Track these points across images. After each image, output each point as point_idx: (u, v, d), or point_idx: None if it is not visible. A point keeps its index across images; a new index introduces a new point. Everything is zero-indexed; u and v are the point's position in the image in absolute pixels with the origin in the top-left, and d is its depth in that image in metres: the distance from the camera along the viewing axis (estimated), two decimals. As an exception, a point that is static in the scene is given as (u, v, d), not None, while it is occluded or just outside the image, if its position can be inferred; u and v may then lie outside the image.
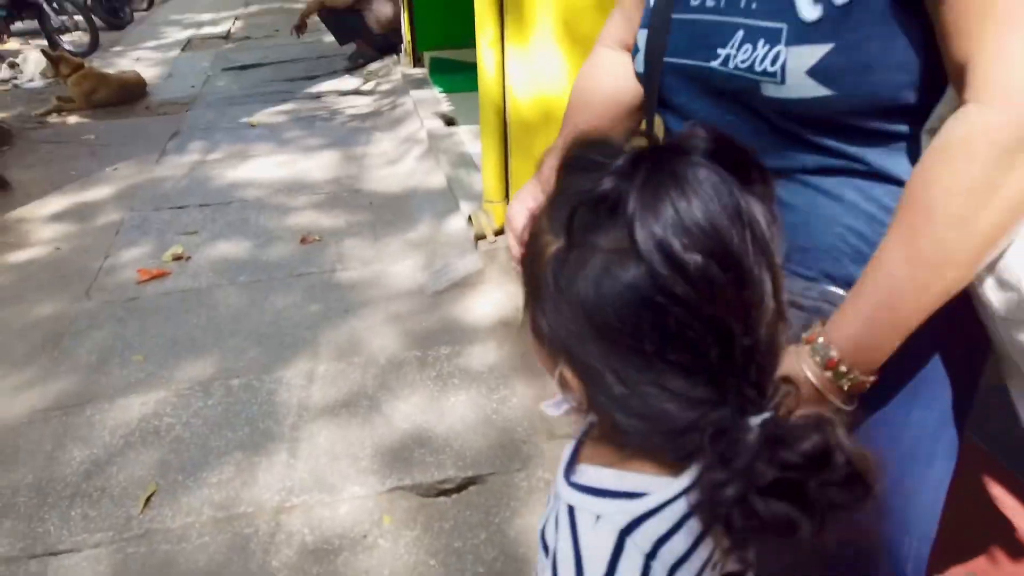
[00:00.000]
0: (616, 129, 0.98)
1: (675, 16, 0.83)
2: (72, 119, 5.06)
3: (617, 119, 1.00)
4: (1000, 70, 0.61)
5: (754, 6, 0.74)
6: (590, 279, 0.50)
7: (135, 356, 2.43)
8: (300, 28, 5.89)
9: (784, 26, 0.70)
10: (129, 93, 5.48)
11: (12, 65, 6.25)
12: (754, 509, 0.49)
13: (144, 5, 9.22)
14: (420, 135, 4.31)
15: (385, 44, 6.04)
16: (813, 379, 0.70)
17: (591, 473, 0.60)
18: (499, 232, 2.80)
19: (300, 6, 8.93)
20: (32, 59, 6.23)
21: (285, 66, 6.25)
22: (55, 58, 5.33)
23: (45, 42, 7.14)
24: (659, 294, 0.48)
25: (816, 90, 0.69)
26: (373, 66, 5.99)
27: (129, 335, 2.55)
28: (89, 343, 2.51)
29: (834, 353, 0.69)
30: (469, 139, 3.98)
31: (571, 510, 0.57)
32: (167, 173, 3.94)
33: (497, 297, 2.68)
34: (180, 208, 3.53)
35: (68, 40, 7.12)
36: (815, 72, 0.69)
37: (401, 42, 6.05)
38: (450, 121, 4.26)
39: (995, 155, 0.61)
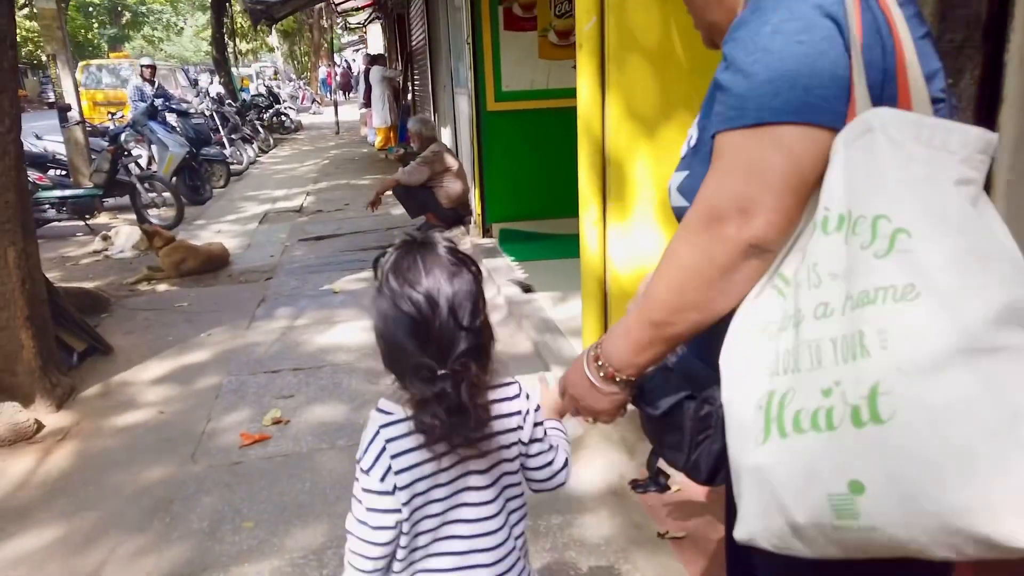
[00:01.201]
0: None
1: None
2: (162, 287, 5.36)
3: None
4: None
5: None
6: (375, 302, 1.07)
7: (245, 522, 2.43)
8: (374, 204, 6.30)
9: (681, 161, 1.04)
10: (214, 263, 5.83)
11: (105, 238, 6.72)
12: (423, 420, 1.04)
13: (222, 182, 9.98)
14: (497, 301, 4.48)
15: (454, 217, 6.42)
16: (588, 374, 1.03)
17: (385, 405, 1.11)
18: (599, 397, 2.83)
19: (364, 183, 9.67)
20: (124, 232, 6.71)
21: (358, 237, 6.64)
22: (150, 232, 5.75)
23: (133, 216, 7.71)
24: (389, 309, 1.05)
25: (679, 200, 1.00)
26: (441, 236, 6.33)
27: (237, 500, 2.56)
28: (199, 508, 2.52)
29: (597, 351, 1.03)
30: (549, 305, 4.12)
31: (370, 418, 1.12)
32: (259, 338, 4.11)
33: (600, 464, 2.66)
34: (274, 372, 3.65)
35: (155, 214, 7.68)
36: (680, 188, 1.00)
37: (468, 215, 6.43)
38: (527, 288, 4.43)
39: (680, 230, 0.90)
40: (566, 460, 1.24)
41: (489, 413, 1.08)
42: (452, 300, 1.02)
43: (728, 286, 0.86)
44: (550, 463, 1.21)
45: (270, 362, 3.78)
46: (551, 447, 1.22)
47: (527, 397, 1.20)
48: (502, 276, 4.76)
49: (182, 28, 42.81)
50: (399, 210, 6.78)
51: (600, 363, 1.00)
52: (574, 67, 5.55)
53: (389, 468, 1.06)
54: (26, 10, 16.07)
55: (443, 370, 1.01)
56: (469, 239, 5.93)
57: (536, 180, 5.73)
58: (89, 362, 3.80)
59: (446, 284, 1.02)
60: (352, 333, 4.16)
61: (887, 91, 0.80)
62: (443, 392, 1.01)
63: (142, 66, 11.59)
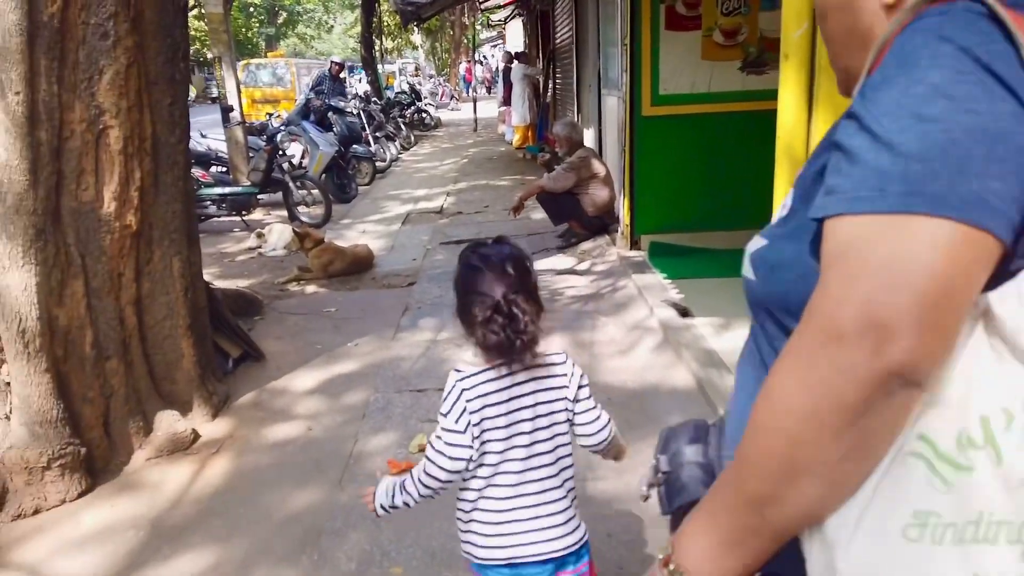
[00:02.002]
0: None
1: None
2: (310, 288, 5.44)
3: None
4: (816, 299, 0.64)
5: None
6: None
7: (394, 568, 2.29)
8: (518, 210, 6.15)
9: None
10: (360, 265, 5.87)
11: (259, 235, 6.96)
12: (486, 334, 1.40)
13: (367, 180, 10.21)
14: (650, 323, 4.17)
15: (599, 225, 6.15)
16: None
17: (459, 365, 1.47)
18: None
19: (503, 184, 9.57)
20: (276, 230, 6.93)
21: (499, 242, 6.51)
22: (301, 234, 5.86)
23: (285, 212, 7.98)
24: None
25: (748, 272, 0.82)
26: (586, 245, 6.08)
27: (385, 541, 2.42)
28: (347, 545, 2.41)
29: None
30: (710, 333, 3.77)
31: (449, 375, 1.46)
32: (404, 352, 4.02)
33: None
34: (420, 392, 3.53)
35: (304, 212, 7.91)
36: (752, 257, 0.81)
37: (613, 223, 6.14)
38: (684, 312, 4.09)
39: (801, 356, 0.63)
40: (609, 419, 1.57)
41: (537, 343, 1.43)
42: (504, 259, 1.43)
43: (862, 439, 0.60)
44: (596, 419, 1.54)
45: (415, 380, 3.67)
46: (596, 406, 1.55)
47: (573, 365, 1.55)
48: (654, 295, 4.44)
49: (332, 26, 44.95)
50: (539, 214, 6.61)
51: (671, 570, 0.70)
52: (740, 69, 5.17)
53: (464, 410, 1.40)
54: (195, 10, 17.24)
55: (499, 299, 1.38)
56: (615, 250, 5.64)
57: (691, 189, 5.35)
58: (243, 368, 3.85)
59: (499, 249, 1.47)
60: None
61: None
62: (498, 307, 1.37)
63: (332, 62, 13.11)
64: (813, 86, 2.17)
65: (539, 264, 5.71)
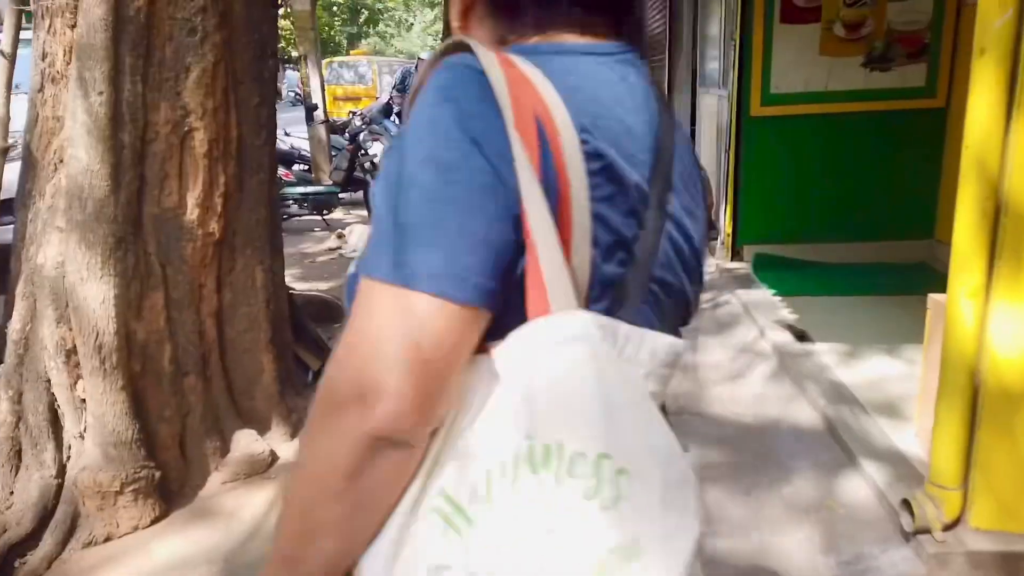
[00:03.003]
0: None
1: None
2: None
3: None
4: None
5: None
6: None
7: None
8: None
9: None
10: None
11: (340, 236, 6.86)
12: None
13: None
14: (761, 347, 3.78)
15: (694, 232, 5.75)
16: None
17: None
18: (950, 526, 2.09)
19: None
20: (357, 231, 6.81)
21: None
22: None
23: (365, 212, 7.88)
24: None
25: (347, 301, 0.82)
26: (680, 254, 5.69)
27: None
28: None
29: None
30: (835, 362, 3.36)
31: None
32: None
33: (954, 624, 1.93)
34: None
35: (385, 212, 7.78)
36: (349, 281, 0.78)
37: (714, 232, 5.73)
38: (801, 335, 3.68)
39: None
40: None
41: None
42: None
43: (360, 498, 0.63)
44: None
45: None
46: None
47: None
48: (765, 315, 4.03)
49: (412, 24, 45.40)
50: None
51: None
52: (863, 65, 4.68)
53: None
54: (281, 9, 17.53)
55: None
56: (714, 261, 5.24)
57: (803, 197, 4.90)
58: (323, 381, 3.66)
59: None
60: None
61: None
62: None
63: (420, 59, 13.21)
64: (1015, 86, 1.78)
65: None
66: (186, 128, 2.70)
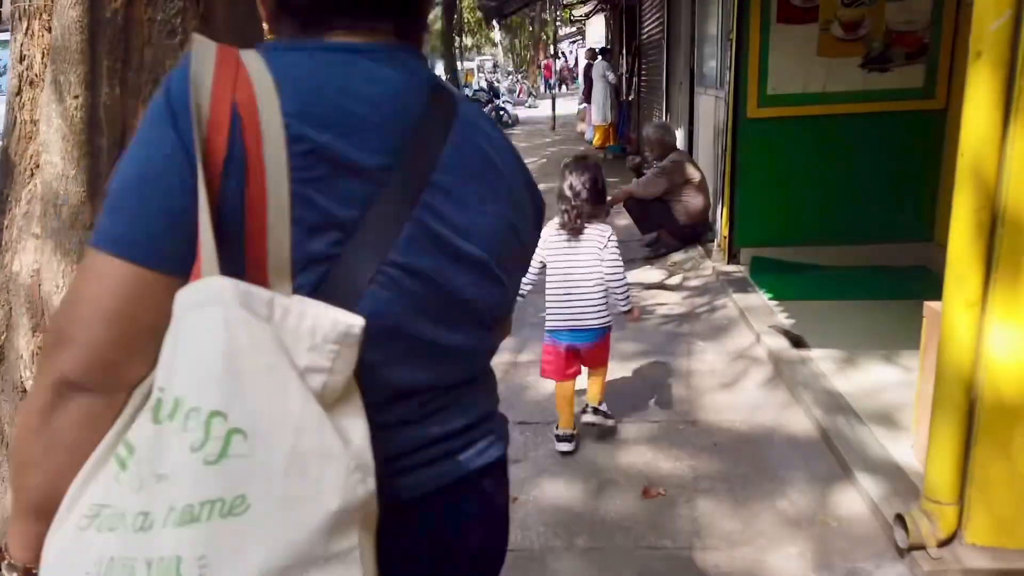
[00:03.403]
0: None
1: None
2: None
3: None
4: None
5: None
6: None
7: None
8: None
9: None
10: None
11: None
12: (561, 213, 2.88)
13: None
14: (756, 353, 3.72)
15: (690, 235, 5.69)
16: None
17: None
18: (946, 542, 2.03)
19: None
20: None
21: (582, 251, 6.12)
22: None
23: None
24: None
25: None
26: (676, 257, 5.63)
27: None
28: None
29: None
30: (831, 369, 3.30)
31: None
32: (482, 376, 3.70)
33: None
34: (499, 425, 3.20)
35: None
36: None
37: (705, 232, 5.67)
38: (797, 341, 3.62)
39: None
40: (627, 282, 2.88)
41: (584, 224, 2.75)
42: (577, 178, 2.76)
43: (53, 436, 0.71)
44: (615, 270, 2.80)
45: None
46: (619, 262, 2.81)
47: (611, 234, 2.81)
48: (760, 319, 3.97)
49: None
50: (624, 220, 6.17)
51: (7, 564, 0.81)
52: (861, 66, 4.61)
53: (545, 240, 2.71)
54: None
55: (569, 195, 2.72)
56: (710, 263, 5.17)
57: (800, 199, 4.84)
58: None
59: (578, 174, 2.78)
60: (582, 378, 3.62)
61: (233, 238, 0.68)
62: (567, 198, 2.74)
63: None
64: (1012, 91, 1.72)
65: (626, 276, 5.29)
66: (166, 132, 2.65)
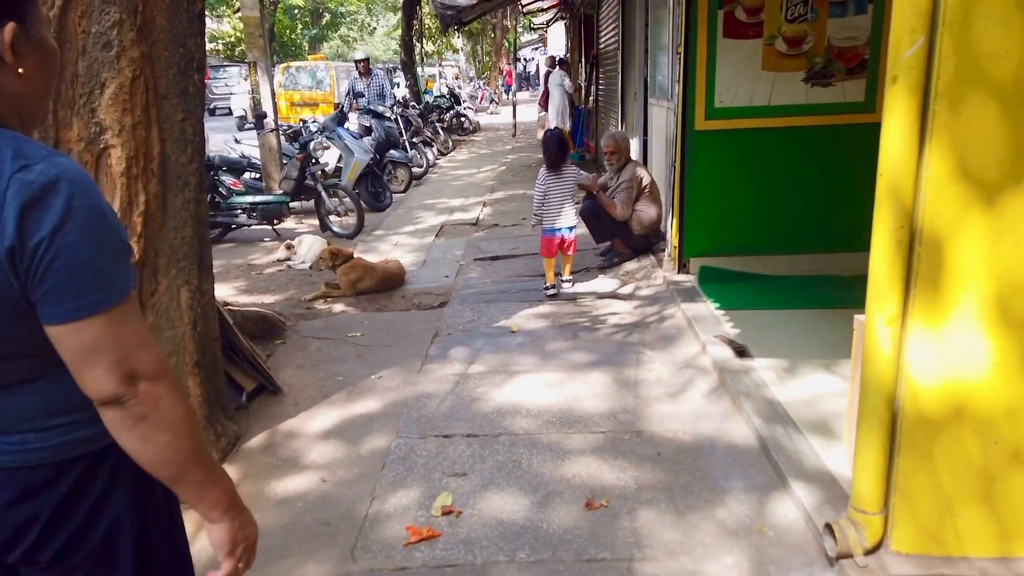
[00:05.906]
0: None
1: None
2: (338, 307, 5.16)
3: None
4: None
5: None
6: None
7: (408, 672, 1.96)
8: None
9: None
10: (390, 282, 5.58)
11: (288, 247, 6.72)
12: (546, 157, 5.42)
13: (403, 187, 9.95)
14: (702, 362, 3.78)
15: (643, 244, 5.76)
16: None
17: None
18: (871, 551, 2.09)
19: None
20: (306, 242, 6.68)
21: (535, 259, 6.14)
22: (333, 250, 5.59)
23: (316, 222, 7.74)
24: None
25: None
26: (629, 266, 5.69)
27: (400, 633, 2.09)
28: (355, 638, 2.08)
29: None
30: (773, 379, 3.37)
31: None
32: (431, 388, 3.70)
33: None
34: (446, 437, 3.20)
35: (336, 222, 7.65)
36: None
37: (657, 242, 5.75)
38: (741, 351, 3.69)
39: None
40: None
41: (563, 164, 5.14)
42: (553, 135, 5.33)
43: (193, 414, 1.17)
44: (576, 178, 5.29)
45: (442, 423, 3.34)
46: (578, 172, 5.36)
47: (576, 169, 5.33)
48: (707, 329, 4.04)
49: (375, 28, 45.02)
50: (579, 229, 6.21)
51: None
52: (804, 80, 4.72)
53: (542, 177, 5.17)
54: (239, 12, 17.20)
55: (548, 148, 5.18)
56: (661, 273, 5.24)
57: (748, 209, 4.93)
58: (258, 402, 3.56)
59: (553, 133, 5.44)
60: (533, 389, 3.64)
61: None
62: (548, 148, 5.17)
63: (356, 61, 11.53)
64: (927, 116, 1.78)
65: (580, 287, 5.34)
66: (101, 146, 2.61)
